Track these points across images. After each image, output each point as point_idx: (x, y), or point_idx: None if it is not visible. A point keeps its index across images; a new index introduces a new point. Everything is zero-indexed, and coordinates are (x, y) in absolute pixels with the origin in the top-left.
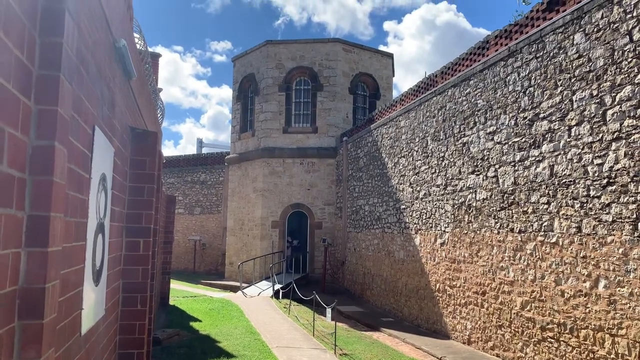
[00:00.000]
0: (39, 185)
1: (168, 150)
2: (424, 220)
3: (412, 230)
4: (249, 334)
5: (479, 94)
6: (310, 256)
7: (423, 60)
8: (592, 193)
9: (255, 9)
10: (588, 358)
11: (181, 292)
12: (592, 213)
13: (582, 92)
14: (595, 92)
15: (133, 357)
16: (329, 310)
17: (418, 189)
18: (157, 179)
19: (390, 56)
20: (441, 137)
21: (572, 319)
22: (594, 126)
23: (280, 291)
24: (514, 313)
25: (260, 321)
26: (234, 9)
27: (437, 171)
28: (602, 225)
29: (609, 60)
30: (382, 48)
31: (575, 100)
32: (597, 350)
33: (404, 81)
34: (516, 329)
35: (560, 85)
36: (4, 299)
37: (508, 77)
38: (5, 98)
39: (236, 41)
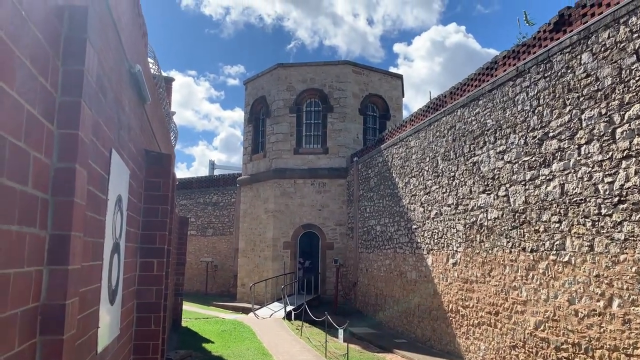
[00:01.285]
0: (61, 205)
1: (181, 172)
2: (435, 240)
3: (424, 250)
4: (261, 355)
5: (488, 113)
6: (322, 277)
7: (433, 82)
8: (603, 211)
9: (268, 33)
10: None
11: (193, 314)
12: (604, 231)
13: (590, 110)
14: (604, 111)
15: None
16: (340, 331)
17: (429, 208)
18: (171, 201)
19: (399, 77)
20: (451, 157)
21: (587, 338)
22: (604, 144)
23: (292, 312)
24: (528, 333)
25: (272, 342)
26: (247, 34)
27: (448, 191)
28: (614, 244)
29: (616, 79)
30: (392, 70)
31: (584, 119)
32: None
33: (414, 102)
34: (530, 350)
35: (569, 104)
36: (26, 315)
37: (517, 97)
38: (31, 123)
39: (249, 65)
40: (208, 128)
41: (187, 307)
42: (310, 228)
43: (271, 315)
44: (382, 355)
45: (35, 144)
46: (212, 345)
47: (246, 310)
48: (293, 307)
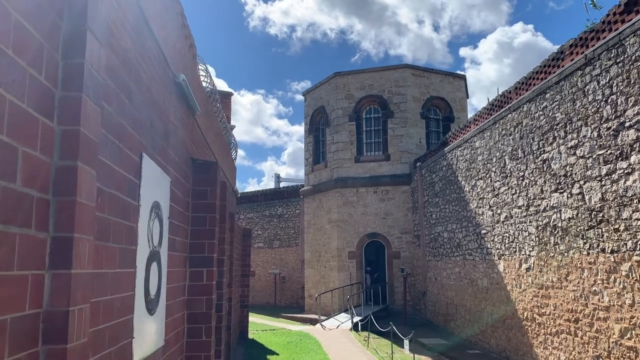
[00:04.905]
0: (62, 205)
1: (251, 187)
2: (506, 245)
3: (494, 256)
4: None
5: (557, 107)
6: (390, 287)
7: (503, 83)
8: None
9: (333, 47)
10: None
11: (261, 326)
12: None
13: None
14: None
15: None
16: (406, 342)
17: (498, 211)
18: (221, 209)
19: (462, 78)
20: (519, 156)
21: None
22: None
23: (359, 323)
24: (612, 342)
25: (338, 354)
26: (312, 50)
27: (518, 192)
28: None
29: None
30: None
31: None
32: None
33: (484, 105)
34: None
35: None
36: (21, 321)
37: (587, 87)
38: (16, 115)
39: (314, 79)
40: (277, 144)
41: (256, 319)
42: (375, 237)
43: (338, 326)
44: None
45: (26, 138)
46: (277, 358)
47: (314, 322)
48: (360, 318)
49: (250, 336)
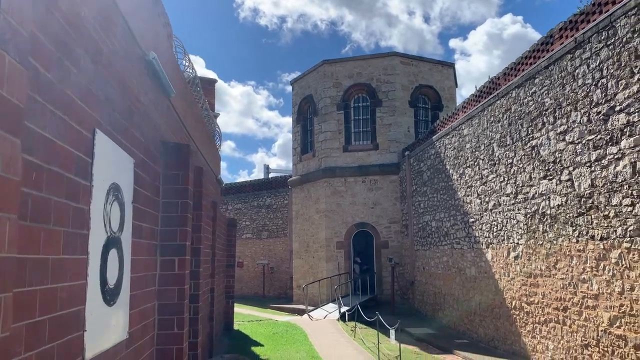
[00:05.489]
0: None
1: (242, 179)
2: (494, 233)
3: (482, 244)
4: (310, 359)
5: (546, 92)
6: (378, 277)
7: (493, 74)
8: None
9: (324, 38)
10: None
11: (247, 317)
12: None
13: None
14: None
15: None
16: (392, 332)
17: (486, 199)
18: (196, 195)
19: (451, 66)
20: (508, 142)
21: None
22: None
23: (347, 314)
24: (602, 330)
25: (324, 345)
26: (303, 41)
27: (506, 179)
28: None
29: None
30: None
31: None
32: None
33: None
34: (605, 349)
35: (638, 73)
36: None
37: (576, 71)
38: None
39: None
40: (268, 135)
41: (243, 310)
42: (364, 227)
43: (325, 316)
44: (442, 357)
45: None
46: (261, 349)
47: (302, 312)
48: (347, 308)
49: (236, 327)
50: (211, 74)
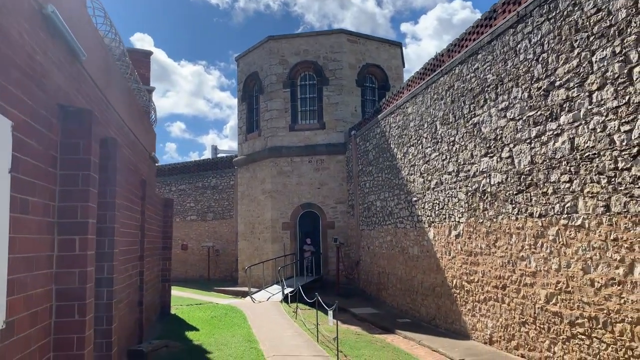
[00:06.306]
0: None
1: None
2: (437, 212)
3: (425, 223)
4: (246, 343)
5: (488, 68)
6: (324, 257)
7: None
8: (620, 165)
9: (277, 19)
10: (626, 356)
11: (187, 300)
12: (622, 188)
13: (602, 51)
14: (618, 49)
15: None
16: (330, 313)
17: (429, 178)
18: (107, 169)
19: (398, 45)
20: (450, 120)
21: (605, 311)
22: (619, 88)
23: (289, 295)
24: (539, 307)
25: (263, 328)
26: (255, 20)
27: (448, 157)
28: (634, 202)
29: (632, 10)
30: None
31: (595, 62)
32: (637, 347)
33: None
34: (542, 326)
35: (577, 47)
36: None
37: (518, 46)
38: None
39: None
40: (220, 117)
41: (185, 293)
42: (310, 207)
43: (268, 298)
44: (383, 337)
45: None
46: (196, 334)
47: (245, 295)
48: (291, 289)
49: (174, 311)
50: (160, 53)
